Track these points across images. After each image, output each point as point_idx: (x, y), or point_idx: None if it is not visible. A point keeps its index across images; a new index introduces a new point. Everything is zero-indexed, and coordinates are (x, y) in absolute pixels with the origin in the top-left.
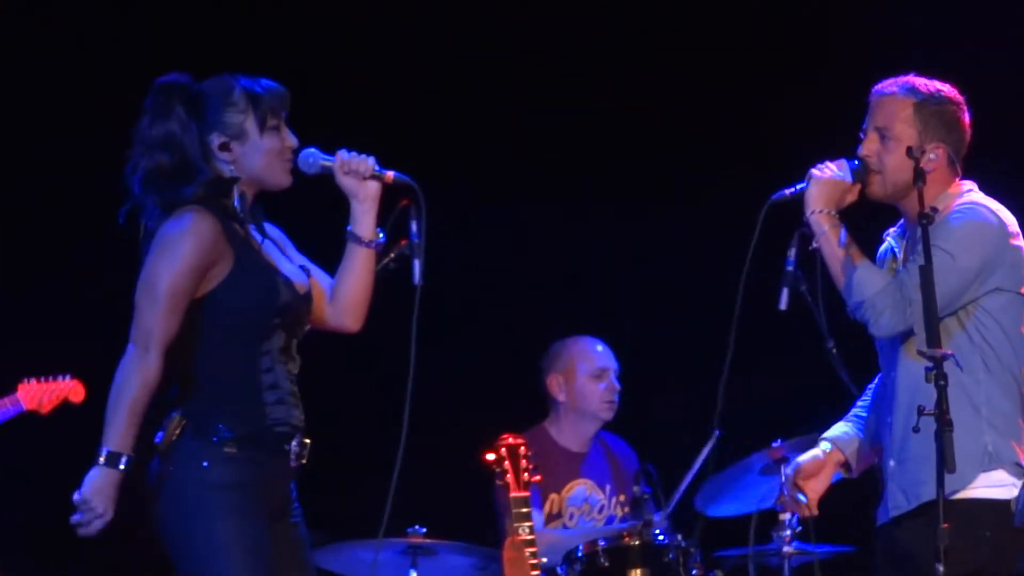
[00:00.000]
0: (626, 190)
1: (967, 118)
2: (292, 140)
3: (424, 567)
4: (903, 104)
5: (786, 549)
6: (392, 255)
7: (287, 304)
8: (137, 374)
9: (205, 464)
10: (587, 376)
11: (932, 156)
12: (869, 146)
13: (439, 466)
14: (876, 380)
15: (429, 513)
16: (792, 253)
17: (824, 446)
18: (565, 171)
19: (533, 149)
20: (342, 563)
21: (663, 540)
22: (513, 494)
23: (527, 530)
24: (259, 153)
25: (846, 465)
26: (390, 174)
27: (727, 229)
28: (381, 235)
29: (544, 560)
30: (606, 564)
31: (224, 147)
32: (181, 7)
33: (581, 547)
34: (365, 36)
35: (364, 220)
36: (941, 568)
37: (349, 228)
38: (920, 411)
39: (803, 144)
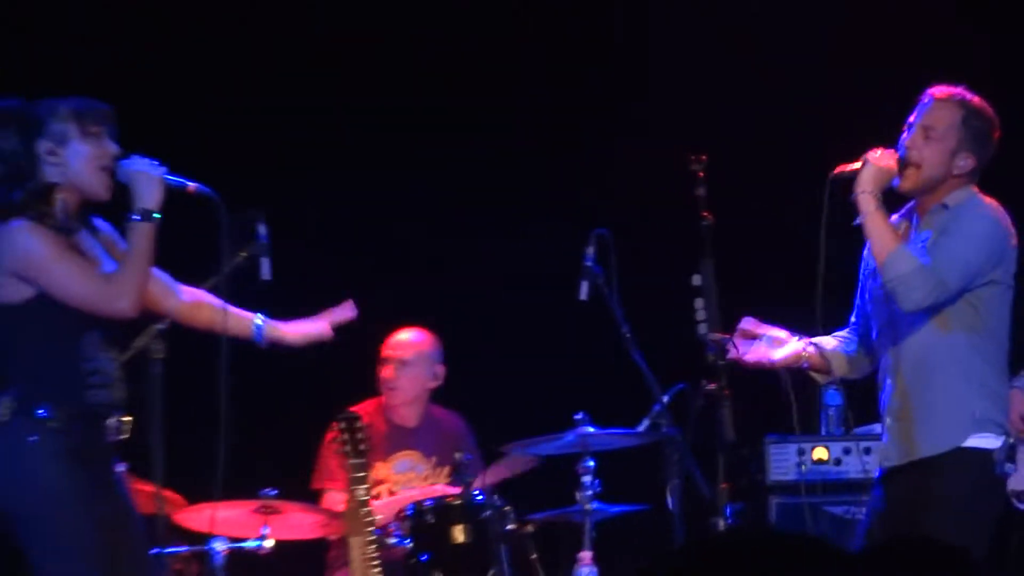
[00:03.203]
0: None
1: (996, 138)
2: (111, 147)
3: (275, 525)
4: (954, 112)
5: (587, 507)
6: (242, 253)
7: None
8: (114, 292)
9: (34, 438)
10: (381, 362)
11: (962, 163)
12: (914, 141)
13: (297, 433)
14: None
15: (284, 477)
16: (591, 251)
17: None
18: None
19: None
20: (204, 521)
21: (481, 500)
22: (351, 460)
23: (364, 492)
24: (79, 157)
25: (822, 369)
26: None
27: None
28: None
29: (380, 517)
30: (432, 521)
31: (51, 152)
32: None
33: (412, 506)
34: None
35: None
36: None
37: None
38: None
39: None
